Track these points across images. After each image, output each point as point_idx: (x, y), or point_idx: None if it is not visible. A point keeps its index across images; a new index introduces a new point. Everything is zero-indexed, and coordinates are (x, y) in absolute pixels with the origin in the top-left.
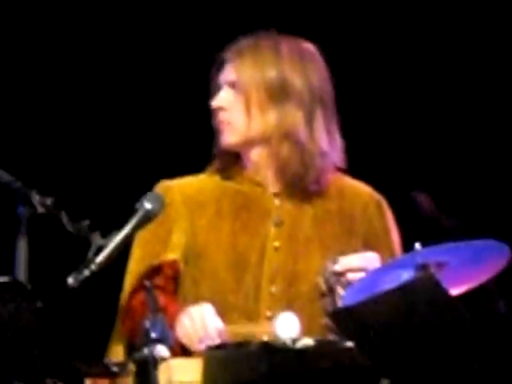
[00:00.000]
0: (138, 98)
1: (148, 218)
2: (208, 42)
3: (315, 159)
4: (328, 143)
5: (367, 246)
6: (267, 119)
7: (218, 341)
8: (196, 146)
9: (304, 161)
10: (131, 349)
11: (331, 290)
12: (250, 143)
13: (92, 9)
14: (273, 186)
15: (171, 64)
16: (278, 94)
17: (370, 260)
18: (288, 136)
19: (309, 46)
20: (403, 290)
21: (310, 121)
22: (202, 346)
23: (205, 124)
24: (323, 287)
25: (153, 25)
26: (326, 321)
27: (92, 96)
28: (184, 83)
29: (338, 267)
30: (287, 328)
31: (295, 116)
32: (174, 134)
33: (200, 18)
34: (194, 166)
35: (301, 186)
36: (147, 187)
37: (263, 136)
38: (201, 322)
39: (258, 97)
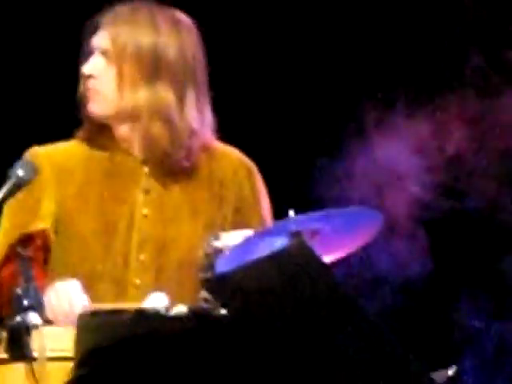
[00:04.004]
0: (6, 65)
1: (20, 185)
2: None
3: (185, 138)
4: (199, 121)
5: (237, 212)
6: (138, 95)
7: None
8: (69, 110)
9: (173, 140)
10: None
11: (211, 266)
12: (118, 118)
13: None
14: (141, 155)
15: (40, 27)
16: (151, 67)
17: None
18: (159, 114)
19: (186, 19)
20: (276, 257)
21: (181, 99)
22: (66, 322)
23: (73, 87)
24: (203, 262)
25: None
26: (203, 294)
27: None
28: (52, 46)
29: (219, 243)
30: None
31: (167, 94)
32: (45, 98)
33: None
34: (64, 132)
35: (168, 163)
36: (18, 154)
37: (133, 112)
38: (67, 298)
39: (130, 69)
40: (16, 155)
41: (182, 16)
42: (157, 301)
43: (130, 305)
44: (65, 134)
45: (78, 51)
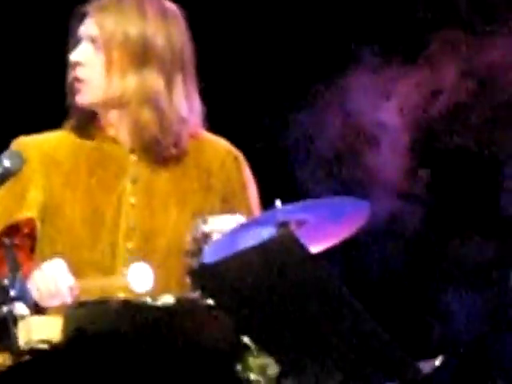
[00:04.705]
0: None
1: (7, 175)
2: None
3: (174, 125)
4: (187, 109)
5: (225, 201)
6: (127, 82)
7: (69, 297)
8: (54, 100)
9: (162, 127)
10: None
11: (199, 250)
12: (107, 105)
13: None
14: (130, 143)
15: (27, 17)
16: (139, 55)
17: (239, 222)
18: (148, 101)
19: (173, 7)
20: (263, 247)
21: (169, 86)
22: (52, 302)
23: (62, 78)
24: (191, 246)
25: None
26: (190, 280)
27: None
28: (38, 36)
29: (206, 228)
30: (140, 279)
31: (156, 80)
32: (31, 89)
33: None
34: (52, 122)
35: (157, 150)
36: (5, 144)
37: (122, 99)
38: (52, 278)
39: (118, 56)
40: (2, 146)
41: (169, 4)
42: (140, 271)
43: (115, 279)
44: (51, 125)
45: (63, 42)
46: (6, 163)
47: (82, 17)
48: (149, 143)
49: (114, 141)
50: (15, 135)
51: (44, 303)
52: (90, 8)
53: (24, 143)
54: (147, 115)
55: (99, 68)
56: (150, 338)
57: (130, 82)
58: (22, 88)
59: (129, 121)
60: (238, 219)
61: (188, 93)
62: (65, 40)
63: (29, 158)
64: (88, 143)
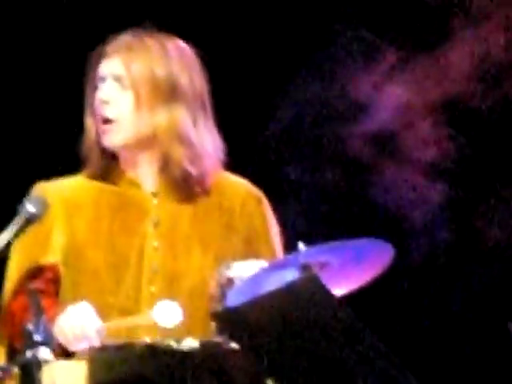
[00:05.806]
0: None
1: (31, 221)
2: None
3: (203, 160)
4: (211, 145)
5: (247, 242)
6: (157, 118)
7: (96, 339)
8: (68, 146)
9: (193, 161)
10: (12, 353)
11: (223, 295)
12: (137, 145)
13: None
14: (151, 185)
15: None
16: (167, 93)
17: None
18: (179, 136)
19: (188, 48)
20: (286, 290)
21: (195, 123)
22: (79, 345)
23: (74, 124)
24: (215, 292)
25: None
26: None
27: None
28: (53, 84)
29: (231, 273)
30: (167, 315)
31: (184, 116)
32: (47, 134)
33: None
34: (69, 168)
35: (185, 187)
36: (25, 190)
37: (152, 136)
38: (78, 321)
39: (147, 94)
40: (16, 192)
41: (184, 44)
42: (166, 308)
43: (142, 318)
44: (65, 171)
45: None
46: (30, 208)
47: (99, 57)
48: (179, 179)
49: (135, 184)
50: (28, 182)
51: (71, 347)
52: (111, 48)
53: (45, 188)
54: (179, 150)
55: (127, 106)
56: (175, 383)
57: (161, 118)
58: (32, 133)
59: (158, 158)
60: (261, 264)
61: (209, 130)
62: (66, 91)
63: (51, 202)
64: (108, 187)
